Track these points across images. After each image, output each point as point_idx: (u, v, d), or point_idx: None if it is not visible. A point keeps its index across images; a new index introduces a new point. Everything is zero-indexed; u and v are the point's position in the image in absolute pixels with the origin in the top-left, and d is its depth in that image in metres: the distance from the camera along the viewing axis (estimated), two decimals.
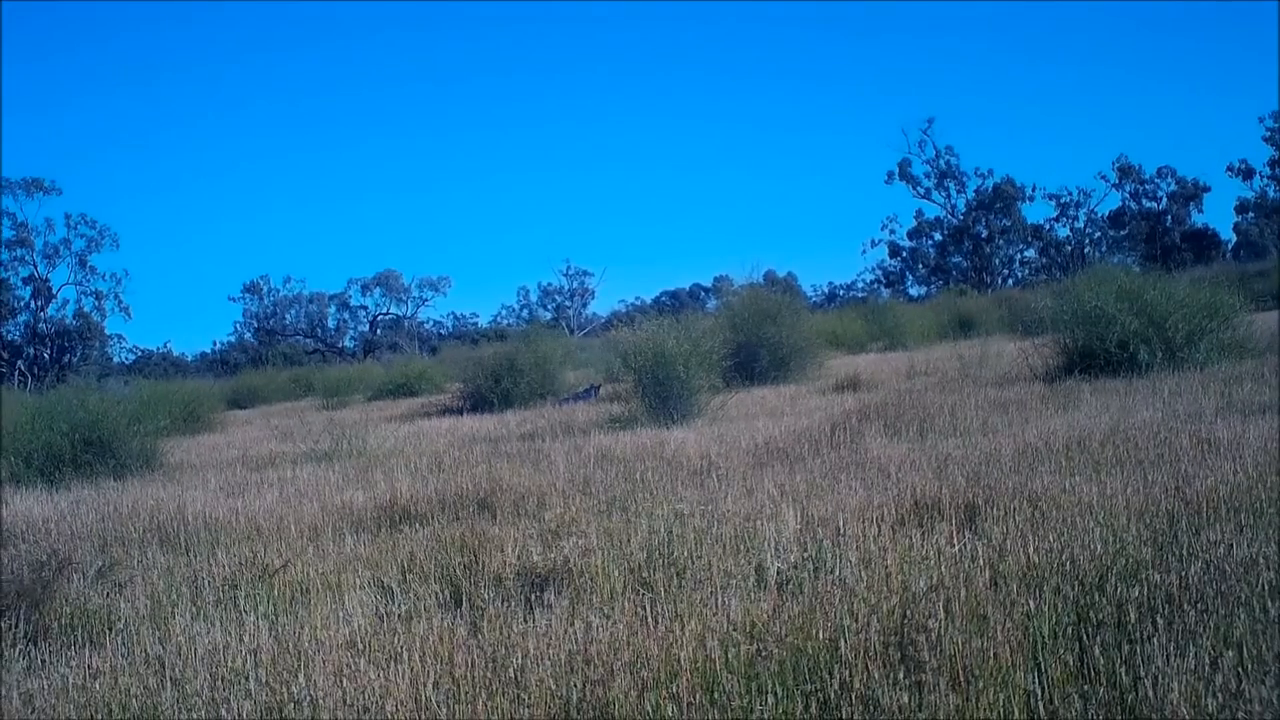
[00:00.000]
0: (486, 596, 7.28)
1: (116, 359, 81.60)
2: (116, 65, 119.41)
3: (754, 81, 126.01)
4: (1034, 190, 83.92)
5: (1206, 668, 4.80)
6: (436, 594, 7.61)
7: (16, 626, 7.44)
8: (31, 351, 75.71)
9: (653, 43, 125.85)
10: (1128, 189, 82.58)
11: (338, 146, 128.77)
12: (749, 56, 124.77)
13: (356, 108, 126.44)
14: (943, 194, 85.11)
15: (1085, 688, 4.88)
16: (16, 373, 72.18)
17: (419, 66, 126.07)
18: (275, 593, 8.04)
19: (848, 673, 5.09)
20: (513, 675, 5.49)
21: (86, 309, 76.95)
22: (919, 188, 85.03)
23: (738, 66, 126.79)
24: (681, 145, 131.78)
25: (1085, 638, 5.29)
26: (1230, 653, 4.90)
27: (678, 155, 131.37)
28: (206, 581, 8.52)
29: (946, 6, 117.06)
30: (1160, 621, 5.35)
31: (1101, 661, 5.00)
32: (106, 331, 79.60)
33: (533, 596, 7.24)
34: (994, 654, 5.11)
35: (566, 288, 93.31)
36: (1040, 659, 5.15)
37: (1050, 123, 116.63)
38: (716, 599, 6.59)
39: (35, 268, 75.79)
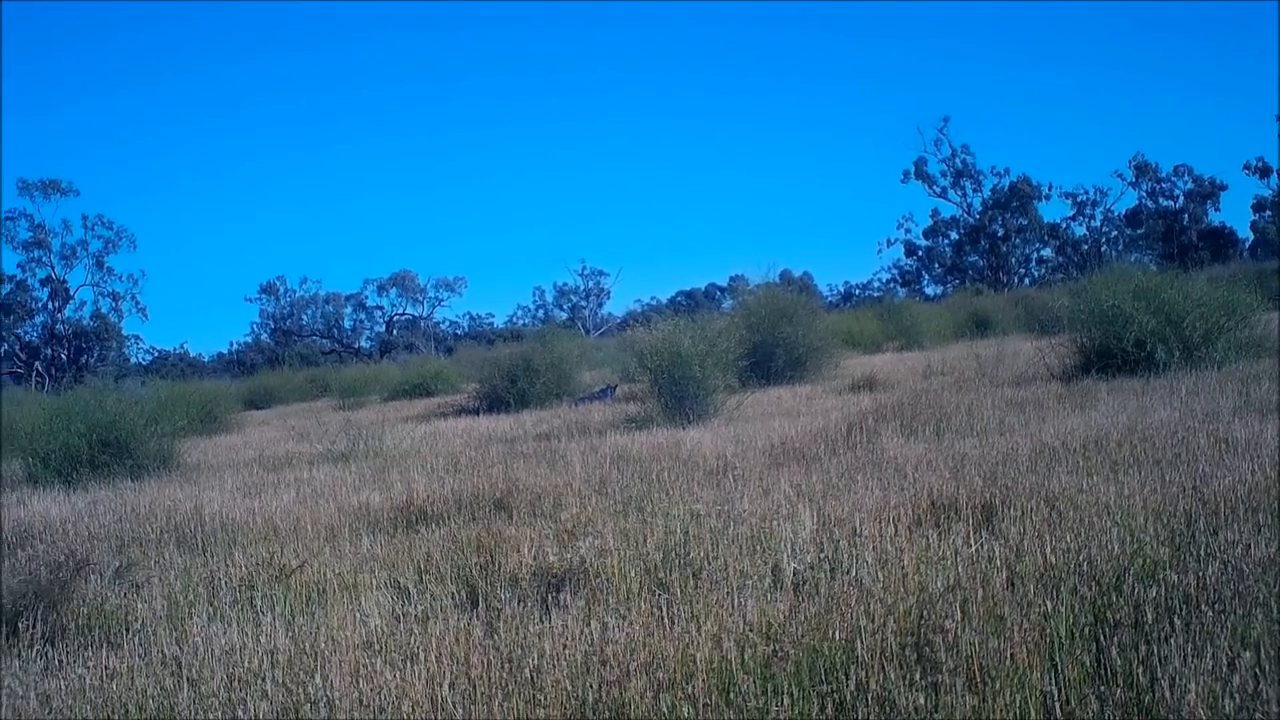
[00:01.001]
0: (503, 597, 7.28)
1: (133, 360, 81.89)
2: (131, 66, 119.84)
3: (770, 81, 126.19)
4: (1050, 189, 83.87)
5: (1224, 669, 4.78)
6: (453, 594, 7.63)
7: (34, 627, 7.46)
8: (49, 352, 76.00)
9: (670, 42, 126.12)
10: (1144, 187, 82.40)
11: (354, 146, 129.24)
12: (765, 56, 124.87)
13: (372, 108, 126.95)
14: (958, 193, 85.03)
15: (1102, 689, 4.87)
16: (34, 373, 72.51)
17: (435, 67, 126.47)
18: (292, 593, 8.06)
19: (864, 673, 5.09)
20: (529, 676, 5.50)
21: (104, 310, 77.37)
22: (935, 186, 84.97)
23: (754, 66, 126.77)
24: (697, 144, 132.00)
25: (1102, 638, 5.28)
26: (1248, 653, 4.88)
27: (693, 155, 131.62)
28: (223, 582, 8.54)
29: (961, 7, 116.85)
30: (1178, 622, 5.33)
31: (1119, 662, 4.99)
32: (124, 332, 80.00)
33: (549, 597, 7.23)
34: (1010, 655, 5.10)
35: (582, 288, 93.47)
36: (1057, 660, 5.14)
37: (1067, 122, 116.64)
38: (733, 600, 6.58)
39: (53, 269, 76.20)
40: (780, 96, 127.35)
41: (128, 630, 7.51)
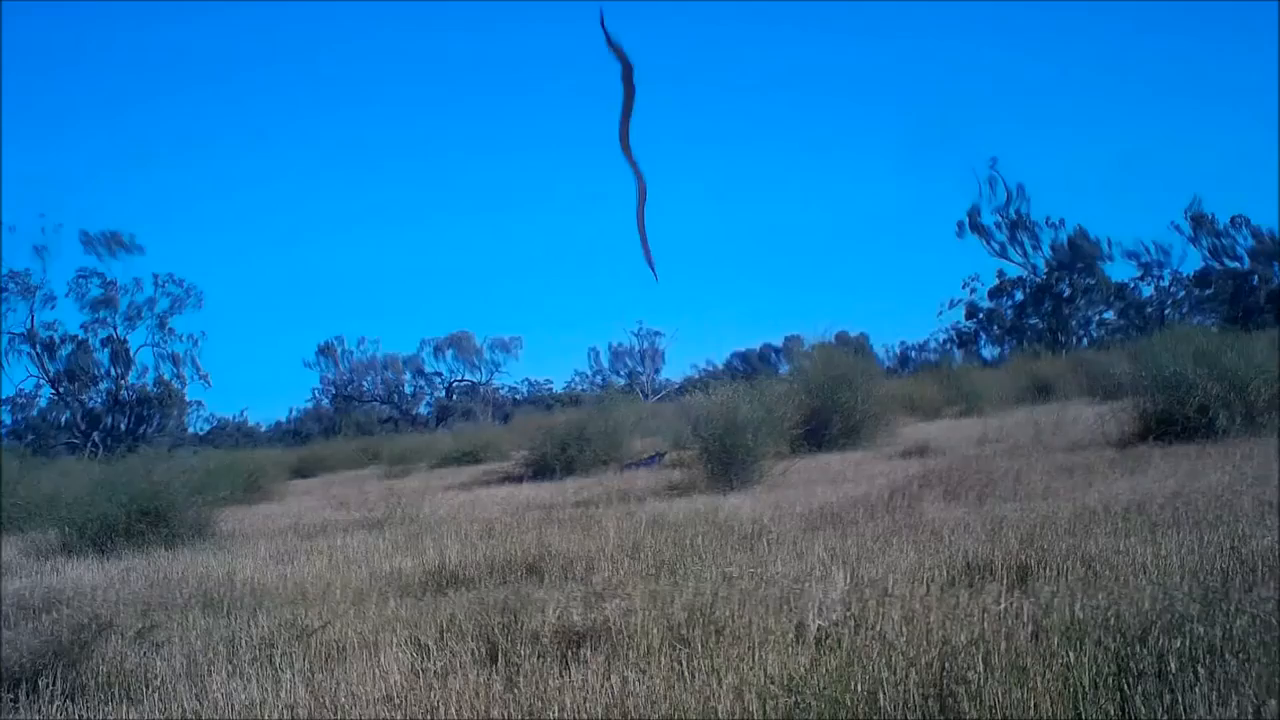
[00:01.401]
0: (522, 653, 7.22)
1: (191, 429, 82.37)
2: (182, 129, 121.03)
3: (822, 133, 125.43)
4: (1110, 245, 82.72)
5: (1250, 717, 4.67)
6: (473, 651, 7.59)
7: (54, 684, 7.52)
8: (110, 420, 76.37)
9: (717, 97, 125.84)
10: (1205, 243, 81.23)
11: (410, 207, 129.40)
12: (816, 111, 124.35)
13: (430, 168, 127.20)
14: (1017, 249, 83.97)
15: None
16: (90, 444, 72.83)
17: (490, 128, 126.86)
18: (311, 651, 8.03)
19: None
20: None
21: (166, 375, 77.52)
22: (992, 241, 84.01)
23: (805, 120, 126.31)
24: (750, 201, 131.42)
25: (1126, 688, 5.26)
26: (1274, 701, 4.77)
27: (746, 212, 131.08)
28: (244, 641, 8.54)
29: (1016, 58, 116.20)
30: (1201, 671, 5.30)
31: (1143, 711, 4.89)
32: (186, 399, 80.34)
33: (569, 653, 7.19)
34: (1034, 705, 5.03)
35: (637, 348, 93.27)
36: (1081, 709, 5.05)
37: (1118, 169, 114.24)
38: (754, 654, 6.57)
39: (115, 329, 76.26)
40: (833, 151, 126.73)
41: (147, 687, 7.52)
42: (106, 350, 76.50)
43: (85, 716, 7.02)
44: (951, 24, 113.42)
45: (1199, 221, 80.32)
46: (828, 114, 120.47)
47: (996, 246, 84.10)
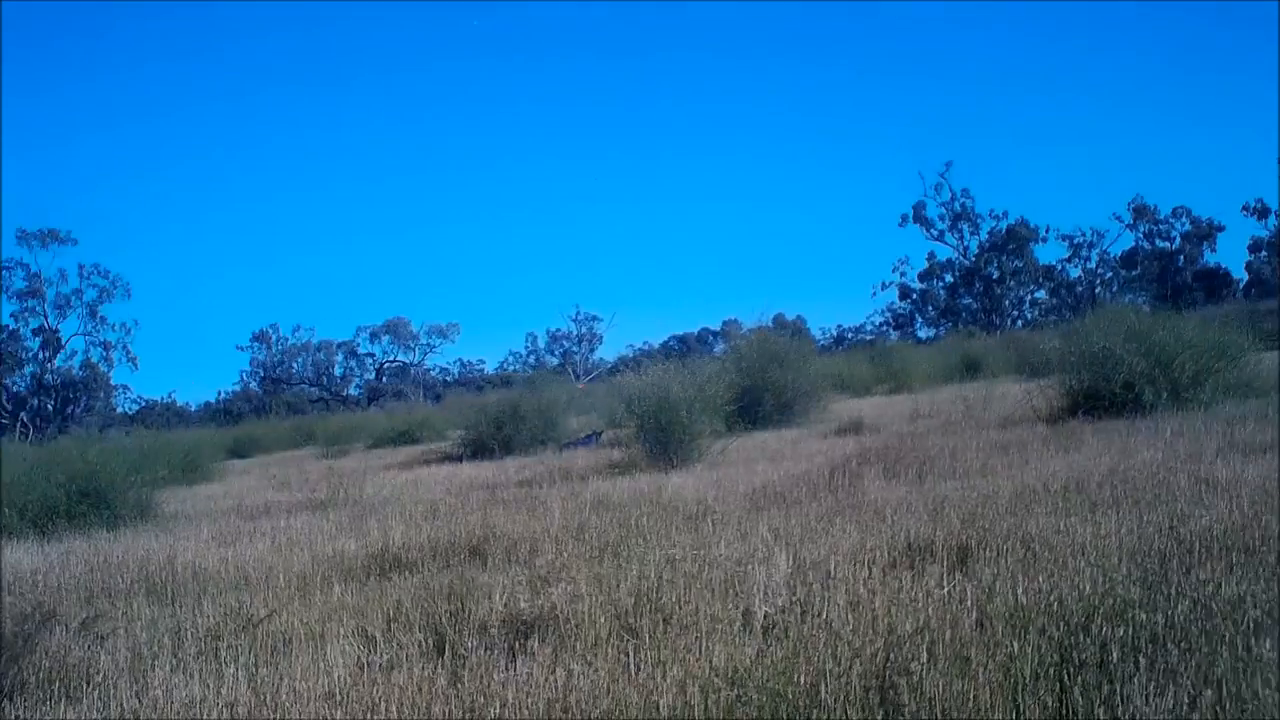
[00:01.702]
0: (470, 645, 7.16)
1: (120, 409, 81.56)
2: (125, 112, 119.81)
3: (766, 123, 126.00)
4: (1047, 231, 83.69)
5: (1185, 707, 4.72)
6: (420, 643, 7.51)
7: None
8: (36, 403, 75.55)
9: (663, 86, 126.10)
10: (1142, 229, 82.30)
11: (349, 193, 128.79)
12: (762, 100, 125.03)
13: (367, 152, 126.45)
14: (956, 236, 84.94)
15: None
16: (19, 424, 71.97)
17: (426, 112, 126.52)
18: (257, 643, 7.93)
19: (826, 717, 5.00)
20: None
21: (95, 359, 76.82)
22: (932, 230, 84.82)
23: (750, 109, 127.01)
24: (693, 189, 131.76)
25: (1066, 678, 5.23)
26: (1209, 691, 4.83)
27: (689, 199, 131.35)
28: (189, 632, 8.41)
29: (961, 49, 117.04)
30: (1143, 661, 5.31)
31: (1081, 702, 4.92)
32: (112, 382, 79.56)
33: (516, 644, 7.14)
34: (974, 696, 5.02)
35: (575, 333, 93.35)
36: (1020, 701, 5.06)
37: (1066, 164, 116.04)
38: (701, 645, 6.51)
39: (45, 318, 75.72)
40: (777, 140, 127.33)
41: (88, 684, 7.37)
42: (38, 339, 75.77)
43: (23, 717, 6.89)
44: (913, 22, 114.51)
45: (1141, 212, 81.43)
46: (775, 107, 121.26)
47: (936, 234, 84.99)
